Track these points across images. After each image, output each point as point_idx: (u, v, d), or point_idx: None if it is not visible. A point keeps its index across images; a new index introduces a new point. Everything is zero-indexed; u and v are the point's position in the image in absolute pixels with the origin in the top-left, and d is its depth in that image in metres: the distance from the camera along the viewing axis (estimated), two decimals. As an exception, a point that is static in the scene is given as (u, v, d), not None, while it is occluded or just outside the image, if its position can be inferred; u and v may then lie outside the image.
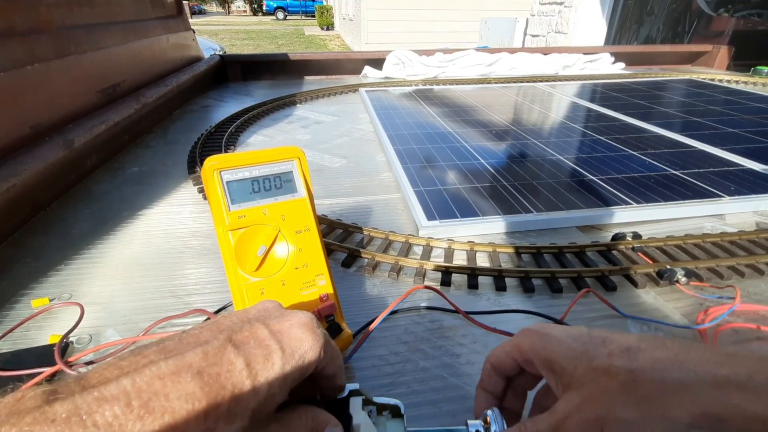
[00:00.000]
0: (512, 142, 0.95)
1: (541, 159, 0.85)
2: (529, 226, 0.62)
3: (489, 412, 0.26)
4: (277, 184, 0.38)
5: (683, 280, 0.49)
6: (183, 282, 0.51)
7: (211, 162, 0.35)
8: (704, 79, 1.76)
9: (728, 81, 1.75)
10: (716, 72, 2.04)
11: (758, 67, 1.91)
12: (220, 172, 0.36)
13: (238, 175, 0.36)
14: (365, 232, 0.59)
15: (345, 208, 0.69)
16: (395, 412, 0.27)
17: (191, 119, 1.19)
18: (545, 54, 1.95)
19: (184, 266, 0.54)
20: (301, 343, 0.23)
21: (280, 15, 18.48)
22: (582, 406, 0.22)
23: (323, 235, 0.59)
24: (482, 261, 0.54)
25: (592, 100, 1.37)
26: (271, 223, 0.37)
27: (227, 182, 0.36)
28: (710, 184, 0.73)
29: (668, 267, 0.51)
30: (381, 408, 0.28)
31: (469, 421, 0.26)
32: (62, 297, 0.48)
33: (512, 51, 1.94)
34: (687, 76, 1.81)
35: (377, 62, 1.84)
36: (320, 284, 0.38)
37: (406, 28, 7.57)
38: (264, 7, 19.95)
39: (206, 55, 1.72)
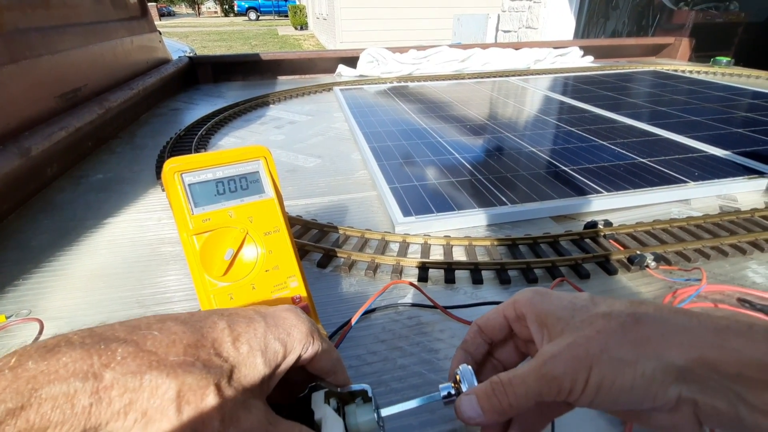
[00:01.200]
0: (487, 137, 0.96)
1: (516, 152, 0.86)
2: (505, 218, 0.62)
3: (458, 369, 0.25)
4: (243, 185, 0.37)
5: (653, 264, 0.50)
6: (152, 291, 0.49)
7: (171, 164, 0.34)
8: (668, 70, 1.81)
9: (690, 72, 1.81)
10: (679, 63, 2.11)
11: (717, 58, 1.98)
12: (181, 174, 0.34)
13: (201, 177, 0.35)
14: (341, 231, 0.59)
15: (320, 208, 0.68)
16: (365, 398, 0.27)
17: (159, 123, 1.16)
18: (517, 49, 1.98)
19: (153, 275, 0.52)
20: (285, 321, 0.24)
21: (252, 15, 18.19)
22: (573, 344, 0.21)
23: (298, 235, 0.58)
24: (459, 255, 0.54)
25: (563, 93, 1.39)
26: (238, 225, 0.35)
27: (189, 185, 0.34)
28: (676, 170, 0.75)
29: (638, 252, 0.52)
30: (349, 397, 0.27)
31: (441, 385, 0.26)
32: (20, 314, 0.46)
33: (485, 47, 1.96)
34: (652, 68, 1.87)
35: (351, 60, 1.83)
36: (292, 286, 0.37)
37: (380, 26, 7.56)
38: (235, 8, 19.60)
39: (175, 57, 1.67)
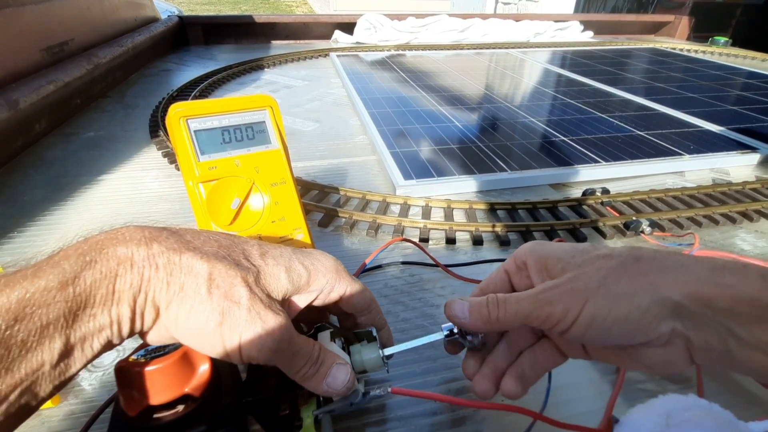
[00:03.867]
0: (486, 106, 0.95)
1: (515, 122, 0.86)
2: (504, 185, 0.63)
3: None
4: (249, 134, 0.36)
5: (647, 230, 0.51)
6: (152, 245, 0.49)
7: (177, 108, 0.33)
8: (666, 48, 1.80)
9: (688, 50, 1.80)
10: (677, 42, 2.09)
11: (716, 38, 1.98)
12: (187, 120, 0.33)
13: (207, 124, 0.34)
14: (342, 192, 0.58)
15: (320, 171, 0.67)
16: (369, 338, 0.27)
17: (150, 83, 1.12)
18: (517, 21, 1.94)
19: (152, 230, 0.52)
20: (312, 254, 0.26)
21: (242, -21, 17.39)
22: (573, 278, 0.21)
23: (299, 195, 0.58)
24: (459, 217, 0.55)
25: (562, 66, 1.38)
26: (244, 175, 0.35)
27: (195, 131, 0.34)
28: (672, 143, 0.76)
29: (634, 219, 0.53)
30: (353, 338, 0.28)
31: (443, 325, 0.27)
32: (19, 265, 0.45)
33: (484, 17, 1.91)
34: (650, 45, 1.85)
35: (348, 27, 1.77)
36: (298, 238, 0.37)
37: (375, -6, 7.31)
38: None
39: (163, 17, 1.60)
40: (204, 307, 0.19)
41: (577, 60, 1.48)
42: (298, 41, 1.74)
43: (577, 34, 2.01)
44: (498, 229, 0.51)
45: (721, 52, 1.81)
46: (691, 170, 0.71)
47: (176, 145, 0.34)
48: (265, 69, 1.29)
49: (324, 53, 1.48)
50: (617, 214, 0.56)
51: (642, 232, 0.52)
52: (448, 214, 0.54)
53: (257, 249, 0.23)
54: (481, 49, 1.67)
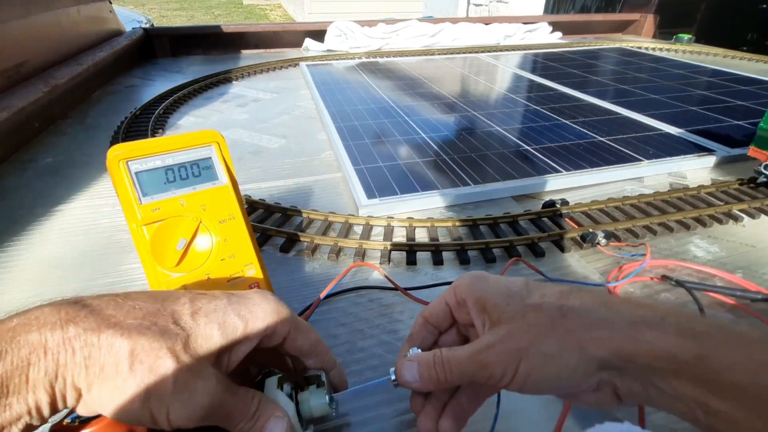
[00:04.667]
0: (454, 115, 0.96)
1: (482, 131, 0.87)
2: (467, 199, 0.64)
3: (408, 353, 0.27)
4: (195, 172, 0.36)
5: (603, 241, 0.53)
6: (108, 281, 0.48)
7: (116, 151, 0.32)
8: (632, 47, 1.85)
9: (653, 49, 1.85)
10: (643, 40, 2.15)
11: (679, 35, 2.03)
12: (127, 162, 0.33)
13: (149, 165, 0.34)
14: (304, 215, 0.58)
15: (285, 191, 0.67)
16: (319, 383, 0.27)
17: (114, 101, 1.09)
18: (487, 24, 1.96)
19: (109, 264, 0.51)
20: (249, 300, 0.25)
21: (215, -18, 17.13)
22: (506, 337, 0.22)
23: (261, 219, 0.57)
24: (421, 236, 0.55)
25: (531, 71, 1.40)
26: (190, 214, 0.35)
27: (136, 173, 0.33)
28: (632, 149, 0.78)
29: (591, 231, 0.54)
30: (303, 382, 0.28)
31: (392, 368, 0.27)
32: (-35, 308, 0.44)
33: (455, 21, 1.93)
34: (617, 45, 1.90)
35: (319, 34, 1.77)
36: (250, 274, 0.37)
37: (350, -4, 7.31)
38: (196, -26, 18.31)
39: (129, 28, 1.57)
40: (127, 385, 0.19)
41: (545, 63, 1.50)
42: (268, 50, 1.73)
43: (546, 36, 2.04)
44: (459, 247, 0.52)
45: (684, 50, 1.86)
46: (649, 176, 0.73)
47: (117, 189, 0.33)
48: (234, 81, 1.27)
49: (294, 63, 1.47)
50: (576, 226, 0.57)
51: (598, 243, 0.53)
52: (410, 233, 0.55)
53: (188, 308, 0.23)
54: (451, 54, 1.68)
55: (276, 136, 0.88)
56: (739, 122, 0.92)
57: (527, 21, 2.05)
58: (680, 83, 1.24)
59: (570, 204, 0.61)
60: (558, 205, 0.60)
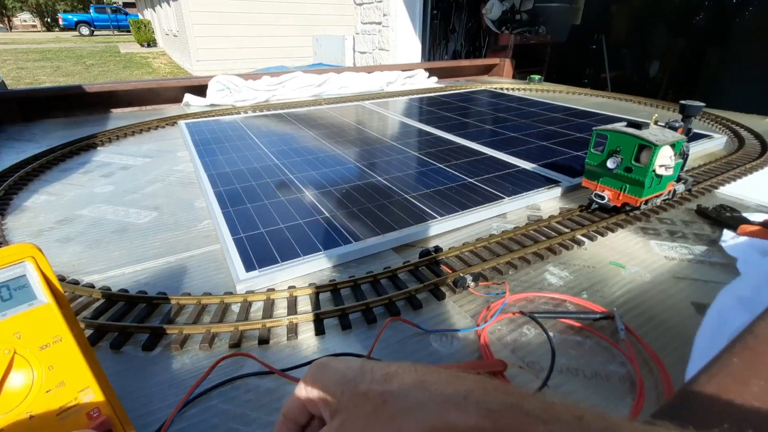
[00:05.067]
0: (337, 168, 0.99)
1: (363, 183, 0.90)
2: (350, 257, 0.65)
3: None
4: (5, 295, 0.31)
5: (472, 284, 0.57)
6: None
7: None
8: (496, 88, 2.11)
9: (512, 89, 2.13)
10: (505, 81, 2.47)
11: (531, 76, 2.38)
12: None
13: (-63, 297, 0.28)
14: (173, 302, 0.54)
15: (153, 274, 0.61)
16: None
17: (-63, 183, 0.92)
18: (369, 72, 2.10)
19: None
20: None
21: (85, 30, 15.78)
22: (339, 427, 0.23)
23: (120, 315, 0.51)
24: (304, 305, 0.54)
25: (410, 116, 1.51)
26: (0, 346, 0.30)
27: None
28: (495, 187, 0.88)
29: (461, 275, 0.58)
30: None
31: None
32: None
33: (339, 71, 2.02)
34: (484, 87, 2.15)
35: (200, 89, 1.71)
36: (87, 400, 0.32)
37: (240, 44, 7.27)
38: (60, 22, 16.73)
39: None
40: None
41: (423, 108, 1.64)
42: (143, 108, 1.62)
43: (424, 81, 2.24)
44: (339, 312, 0.52)
45: (536, 89, 2.18)
46: (511, 210, 0.81)
47: None
48: (99, 148, 1.16)
49: (172, 121, 1.40)
50: (450, 271, 0.61)
51: (468, 286, 0.57)
52: (291, 305, 0.53)
53: None
54: (338, 103, 1.75)
55: (146, 208, 0.81)
56: (578, 153, 1.10)
57: (406, 68, 2.24)
58: (533, 120, 1.44)
59: (444, 250, 0.66)
60: (433, 253, 0.64)
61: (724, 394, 0.28)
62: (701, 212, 0.80)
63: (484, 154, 1.09)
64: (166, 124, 1.37)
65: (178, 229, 0.74)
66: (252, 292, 0.55)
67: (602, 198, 0.75)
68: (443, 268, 0.62)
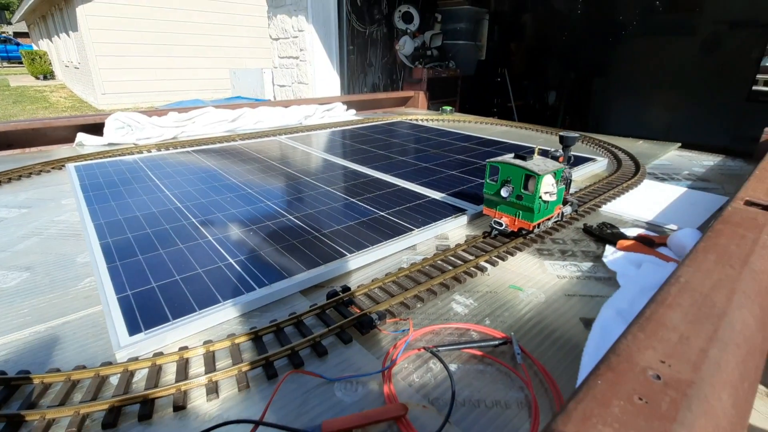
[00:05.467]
0: (245, 209, 0.95)
1: (273, 223, 0.87)
2: (254, 305, 0.61)
3: None
4: None
5: (379, 322, 0.57)
6: None
7: None
8: (411, 119, 2.21)
9: (426, 120, 2.25)
10: (420, 112, 2.60)
11: (444, 107, 2.54)
12: None
13: None
14: (37, 381, 0.46)
15: (17, 349, 0.53)
16: None
17: None
18: (286, 107, 2.09)
19: None
20: None
21: (-34, 61, 13.99)
22: None
23: (-39, 408, 0.43)
24: (197, 366, 0.50)
25: (326, 150, 1.52)
26: None
27: None
28: (406, 219, 0.90)
29: (367, 314, 0.58)
30: None
31: None
32: None
33: (254, 106, 1.99)
34: (400, 118, 2.25)
35: (97, 127, 1.58)
36: None
37: (152, 76, 6.90)
38: (-66, 51, 14.64)
39: None
40: None
41: (340, 141, 1.66)
42: (26, 150, 1.45)
43: (342, 113, 2.28)
44: (236, 371, 0.48)
45: (448, 119, 2.32)
46: (421, 242, 0.84)
47: None
48: (-39, 199, 1.00)
49: (60, 164, 1.26)
50: (358, 311, 0.60)
51: (375, 326, 0.57)
52: (181, 369, 0.48)
53: None
54: (252, 138, 1.71)
55: (15, 269, 0.70)
56: (483, 180, 1.17)
57: (324, 102, 2.27)
58: (444, 150, 1.52)
59: (353, 288, 0.65)
60: (341, 293, 0.63)
61: (588, 419, 0.30)
62: (587, 230, 0.89)
63: (396, 185, 1.12)
64: (52, 168, 1.23)
65: (54, 290, 0.65)
66: (135, 359, 0.49)
67: (500, 225, 0.81)
68: (351, 308, 0.61)
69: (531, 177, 0.75)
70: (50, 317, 0.58)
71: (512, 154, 0.80)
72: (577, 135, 0.92)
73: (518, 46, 4.46)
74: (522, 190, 0.76)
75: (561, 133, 0.92)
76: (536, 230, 0.82)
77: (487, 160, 0.82)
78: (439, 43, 3.65)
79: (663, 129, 3.32)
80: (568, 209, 0.90)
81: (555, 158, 0.83)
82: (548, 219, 0.83)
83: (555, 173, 0.77)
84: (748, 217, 0.60)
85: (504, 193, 0.79)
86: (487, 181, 0.82)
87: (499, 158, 0.80)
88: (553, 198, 0.78)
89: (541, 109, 4.42)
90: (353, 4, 3.18)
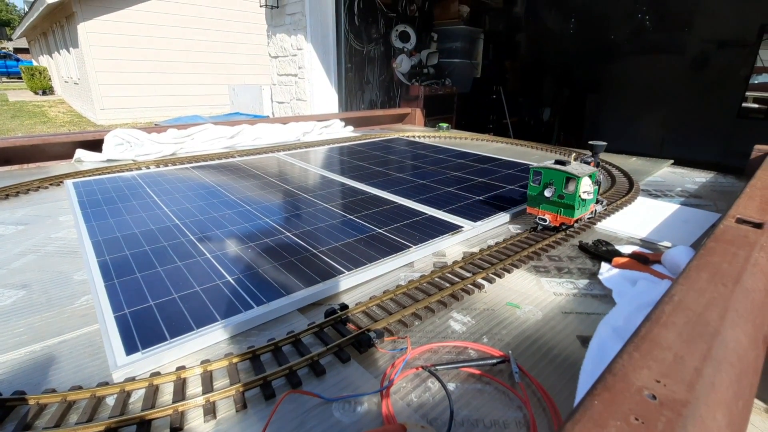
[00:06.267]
0: (243, 226, 0.95)
1: (271, 240, 0.88)
2: (252, 324, 0.61)
3: None
4: None
5: (377, 341, 0.57)
6: None
7: None
8: (408, 136, 2.24)
9: (423, 137, 2.28)
10: (417, 129, 2.63)
11: (440, 124, 2.57)
12: None
13: None
14: (32, 402, 0.46)
15: (11, 369, 0.52)
16: None
17: None
18: (285, 123, 2.11)
19: None
20: None
21: (-35, 77, 14.09)
22: None
23: (-45, 430, 0.42)
24: (194, 386, 0.49)
25: (324, 167, 1.53)
26: None
27: None
28: (403, 236, 0.90)
29: (365, 332, 0.58)
30: None
31: None
32: None
33: (252, 123, 2.01)
34: (398, 135, 2.27)
35: (95, 144, 1.59)
36: None
37: (151, 92, 6.96)
38: (-67, 67, 14.75)
39: None
40: None
41: (338, 158, 1.67)
42: (24, 166, 1.45)
43: (340, 130, 2.31)
44: (232, 392, 0.48)
45: (445, 136, 2.35)
46: (419, 259, 0.84)
47: None
48: (-41, 216, 1.00)
49: (58, 181, 1.26)
50: (356, 329, 0.60)
51: (374, 344, 0.57)
52: (178, 389, 0.48)
53: None
54: (251, 155, 1.72)
55: (11, 287, 0.70)
56: (479, 197, 1.18)
57: (322, 118, 2.29)
58: (441, 167, 1.54)
59: (351, 306, 0.65)
60: (339, 311, 0.63)
61: None
62: (583, 248, 0.90)
63: (394, 202, 1.13)
64: (51, 184, 1.24)
65: (50, 309, 0.64)
66: (132, 379, 0.49)
67: (545, 221, 0.94)
68: (349, 326, 0.61)
69: (571, 179, 0.87)
70: (46, 336, 0.58)
71: (553, 160, 0.92)
72: (603, 143, 1.07)
73: (513, 64, 4.55)
74: (563, 191, 0.88)
75: (591, 142, 1.08)
76: (576, 225, 0.96)
77: (531, 165, 0.94)
78: (436, 61, 3.72)
79: (656, 145, 3.37)
80: (599, 207, 1.04)
81: (587, 163, 0.97)
82: (585, 215, 0.97)
83: (591, 176, 0.90)
84: (739, 235, 0.61)
85: (547, 193, 0.90)
86: (531, 183, 0.94)
87: (542, 164, 0.92)
88: (590, 197, 0.93)
89: (537, 125, 4.49)
90: (351, 24, 3.24)
